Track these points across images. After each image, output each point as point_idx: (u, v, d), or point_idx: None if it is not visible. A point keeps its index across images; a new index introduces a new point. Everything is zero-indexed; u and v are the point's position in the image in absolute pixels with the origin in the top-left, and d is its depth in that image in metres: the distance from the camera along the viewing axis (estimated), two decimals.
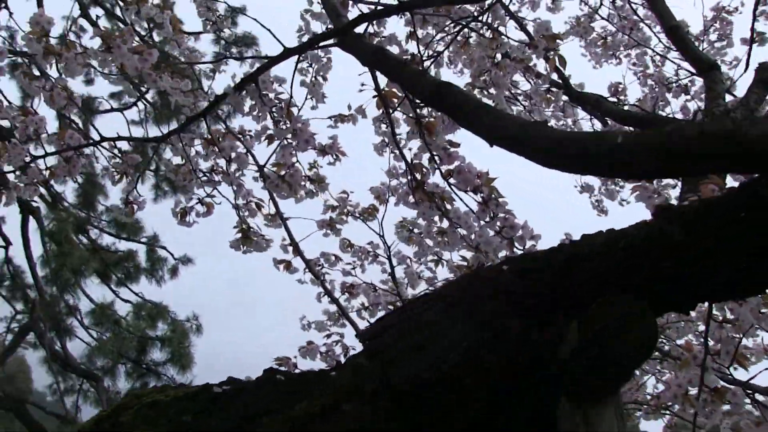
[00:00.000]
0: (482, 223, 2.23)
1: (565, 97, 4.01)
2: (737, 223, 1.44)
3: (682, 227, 1.52)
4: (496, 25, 3.15)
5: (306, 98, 3.18)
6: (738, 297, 1.55)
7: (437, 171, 2.35)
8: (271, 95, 2.61)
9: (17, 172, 3.06)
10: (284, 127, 2.59)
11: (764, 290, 1.56)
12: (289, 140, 2.73)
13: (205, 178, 3.13)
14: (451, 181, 2.27)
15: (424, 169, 2.43)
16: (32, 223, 9.06)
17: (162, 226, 10.58)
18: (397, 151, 2.55)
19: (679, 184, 2.82)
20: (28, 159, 3.02)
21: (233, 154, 2.72)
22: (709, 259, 1.50)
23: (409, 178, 2.48)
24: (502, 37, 3.04)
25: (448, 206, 2.49)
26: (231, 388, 1.71)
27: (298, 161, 2.79)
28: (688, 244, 1.50)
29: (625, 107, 4.80)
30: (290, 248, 3.92)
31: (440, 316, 1.60)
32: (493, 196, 2.17)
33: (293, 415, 1.54)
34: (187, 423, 1.63)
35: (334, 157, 2.92)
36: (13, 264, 9.89)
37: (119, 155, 2.93)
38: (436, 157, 2.34)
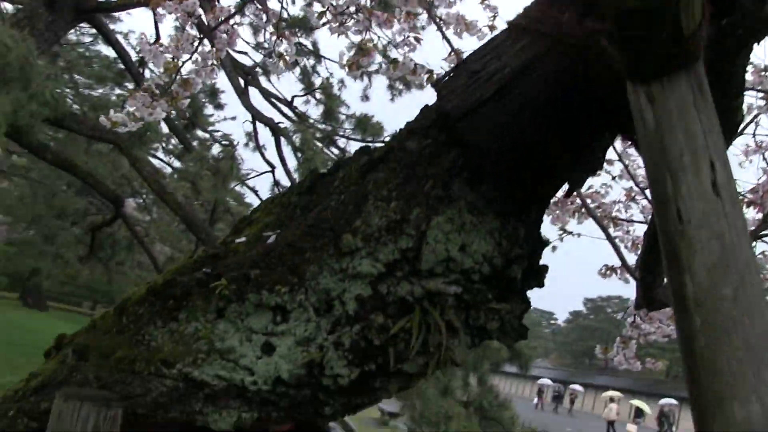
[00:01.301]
0: None
1: None
2: None
3: None
4: None
5: None
6: None
7: None
8: None
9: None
10: None
11: None
12: None
13: (353, 20, 3.16)
14: None
15: None
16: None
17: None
18: None
19: None
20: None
21: None
22: None
23: None
24: None
25: None
26: (333, 167, 1.76)
27: None
28: None
29: None
30: None
31: (503, 42, 1.48)
32: None
33: (361, 162, 1.54)
34: (293, 202, 1.71)
35: None
36: (281, 185, 11.05)
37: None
38: None
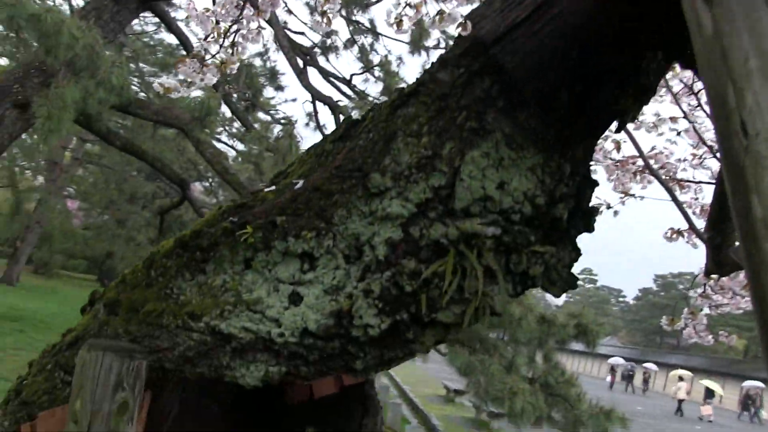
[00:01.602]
0: None
1: None
2: None
3: None
4: None
5: None
6: None
7: None
8: None
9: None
10: None
11: None
12: None
13: None
14: None
15: None
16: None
17: None
18: None
19: None
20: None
21: None
22: None
23: None
24: None
25: None
26: (366, 112, 1.67)
27: None
28: None
29: None
30: None
31: None
32: None
33: (392, 99, 1.44)
34: (326, 150, 1.62)
35: None
36: None
37: None
38: None
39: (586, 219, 1.46)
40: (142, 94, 16.66)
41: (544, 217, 1.37)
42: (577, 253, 1.51)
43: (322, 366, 1.46)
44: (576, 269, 1.56)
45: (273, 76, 16.17)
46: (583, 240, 1.54)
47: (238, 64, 4.09)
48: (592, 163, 1.49)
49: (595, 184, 1.47)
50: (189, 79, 3.74)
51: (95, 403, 1.35)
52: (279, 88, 16.12)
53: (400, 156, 1.36)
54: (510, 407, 9.28)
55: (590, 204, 1.47)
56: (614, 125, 1.46)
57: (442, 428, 14.90)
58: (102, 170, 23.87)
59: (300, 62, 11.98)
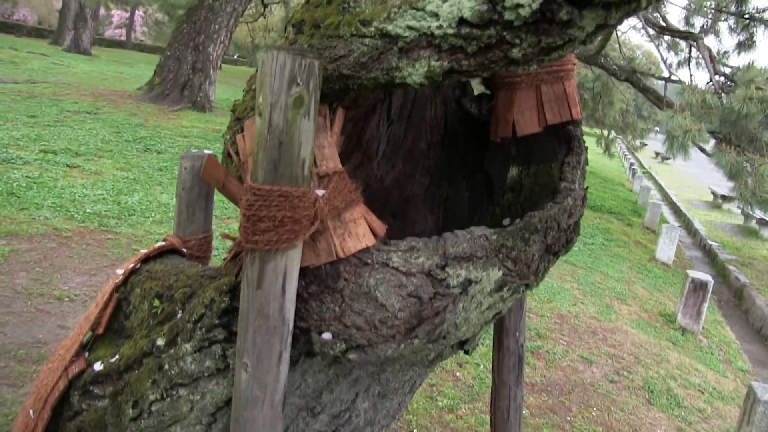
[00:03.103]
0: None
1: None
2: None
3: None
4: None
5: None
6: None
7: None
8: None
9: None
10: None
11: None
12: None
13: None
14: None
15: None
16: None
17: None
18: None
19: None
20: None
21: None
22: None
23: None
24: None
25: None
26: None
27: None
28: None
29: None
30: None
31: None
32: None
33: None
34: None
35: None
36: None
37: None
38: None
39: None
40: None
41: None
42: None
43: (482, 58, 1.49)
44: None
45: None
46: None
47: None
48: None
49: None
50: None
51: (273, 95, 1.53)
52: None
53: None
54: None
55: None
56: None
57: (704, 232, 14.23)
58: None
59: None
